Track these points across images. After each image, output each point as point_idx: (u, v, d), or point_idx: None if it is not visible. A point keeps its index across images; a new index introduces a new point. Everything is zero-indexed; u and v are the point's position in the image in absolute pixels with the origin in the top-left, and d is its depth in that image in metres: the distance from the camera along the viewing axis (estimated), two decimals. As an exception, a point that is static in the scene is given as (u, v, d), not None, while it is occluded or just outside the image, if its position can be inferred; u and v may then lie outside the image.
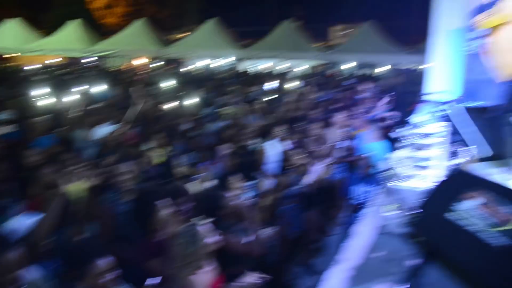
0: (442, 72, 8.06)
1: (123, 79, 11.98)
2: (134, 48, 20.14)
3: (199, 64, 21.70)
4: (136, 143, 5.00)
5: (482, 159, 3.81)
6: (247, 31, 32.09)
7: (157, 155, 4.94)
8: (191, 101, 7.42)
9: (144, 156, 4.84)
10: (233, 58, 19.91)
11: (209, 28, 20.14)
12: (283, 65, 19.73)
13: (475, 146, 3.90)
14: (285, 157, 4.67)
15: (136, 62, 22.52)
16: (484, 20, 2.76)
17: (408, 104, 9.05)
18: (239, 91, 10.06)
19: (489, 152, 3.92)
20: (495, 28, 2.87)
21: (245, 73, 17.68)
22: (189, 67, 21.01)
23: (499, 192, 1.71)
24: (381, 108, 7.49)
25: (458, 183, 1.88)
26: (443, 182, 1.96)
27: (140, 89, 5.29)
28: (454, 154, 3.03)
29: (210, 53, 19.70)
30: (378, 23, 18.18)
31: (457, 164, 2.83)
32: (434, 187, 2.01)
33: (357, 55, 17.26)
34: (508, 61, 2.83)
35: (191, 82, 12.47)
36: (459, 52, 6.61)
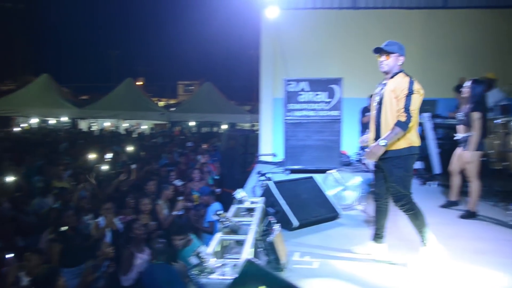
0: (268, 136, 9.03)
1: None
2: None
3: (28, 124, 19.76)
4: None
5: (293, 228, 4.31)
6: (85, 87, 30.81)
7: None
8: (15, 172, 6.62)
9: None
10: (67, 118, 18.70)
11: (40, 83, 18.57)
12: (124, 125, 19.35)
13: (291, 215, 4.39)
14: (114, 239, 4.48)
15: None
16: None
17: (247, 165, 9.73)
18: (73, 159, 9.42)
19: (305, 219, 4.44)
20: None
21: (81, 135, 16.60)
22: (16, 128, 18.89)
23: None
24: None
25: (250, 277, 2.10)
26: (239, 275, 2.16)
27: None
28: (267, 230, 3.35)
29: (41, 112, 18.05)
30: (219, 82, 19.48)
31: (266, 243, 3.15)
32: (232, 280, 2.20)
33: (197, 114, 17.93)
34: None
35: (16, 147, 11.20)
36: (281, 119, 7.53)
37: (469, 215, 4.92)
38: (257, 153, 8.94)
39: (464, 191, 5.20)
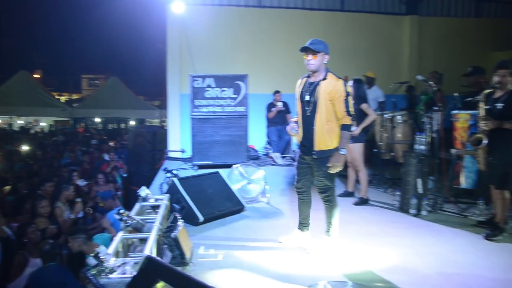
0: (176, 132, 8.96)
1: None
2: None
3: None
4: None
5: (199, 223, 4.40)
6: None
7: None
8: None
9: None
10: None
11: None
12: (19, 122, 17.78)
13: (197, 210, 4.45)
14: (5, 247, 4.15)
15: None
16: None
17: (155, 162, 9.55)
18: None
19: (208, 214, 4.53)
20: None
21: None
22: None
23: (181, 282, 2.03)
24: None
25: (149, 273, 2.13)
26: (138, 272, 2.18)
27: None
28: (172, 226, 3.38)
29: None
30: (126, 76, 18.67)
31: (170, 239, 3.18)
32: (132, 277, 2.21)
33: (103, 110, 17.07)
34: None
35: None
36: (188, 115, 7.52)
37: (362, 201, 5.42)
38: (166, 149, 8.84)
39: (358, 181, 5.69)
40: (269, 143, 8.82)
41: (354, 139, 5.35)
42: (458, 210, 5.05)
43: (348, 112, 3.53)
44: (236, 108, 7.41)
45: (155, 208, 4.17)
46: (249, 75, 7.50)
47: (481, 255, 3.67)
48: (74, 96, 28.73)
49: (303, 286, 3.03)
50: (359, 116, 5.37)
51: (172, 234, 3.21)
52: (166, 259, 3.28)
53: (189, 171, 6.82)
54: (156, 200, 4.16)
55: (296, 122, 3.85)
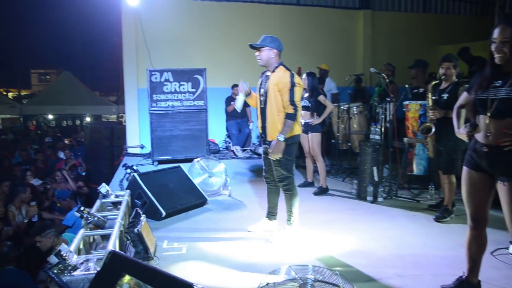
0: (135, 127, 8.81)
1: None
2: None
3: None
4: None
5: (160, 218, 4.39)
6: None
7: None
8: None
9: None
10: None
11: None
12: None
13: (159, 205, 4.44)
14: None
15: None
16: None
17: (114, 158, 9.35)
18: None
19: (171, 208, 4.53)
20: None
21: None
22: None
23: (147, 275, 2.06)
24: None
25: (114, 268, 2.14)
26: (102, 268, 2.18)
27: None
28: (134, 222, 3.37)
29: None
30: (80, 71, 18.00)
31: (133, 234, 3.17)
32: (96, 273, 2.21)
33: (56, 106, 16.44)
34: None
35: None
36: (146, 110, 7.40)
37: (322, 191, 5.58)
38: (125, 145, 8.67)
39: (317, 171, 5.86)
40: (229, 136, 8.86)
41: (312, 129, 5.52)
42: (411, 195, 5.33)
43: (292, 101, 3.62)
44: (195, 102, 7.39)
45: (116, 204, 4.12)
46: (207, 69, 7.50)
47: (431, 236, 3.91)
48: (23, 92, 27.39)
49: (266, 273, 3.11)
50: (317, 107, 5.54)
51: (135, 229, 3.20)
52: (130, 255, 3.27)
53: (149, 167, 6.76)
54: (117, 196, 4.12)
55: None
